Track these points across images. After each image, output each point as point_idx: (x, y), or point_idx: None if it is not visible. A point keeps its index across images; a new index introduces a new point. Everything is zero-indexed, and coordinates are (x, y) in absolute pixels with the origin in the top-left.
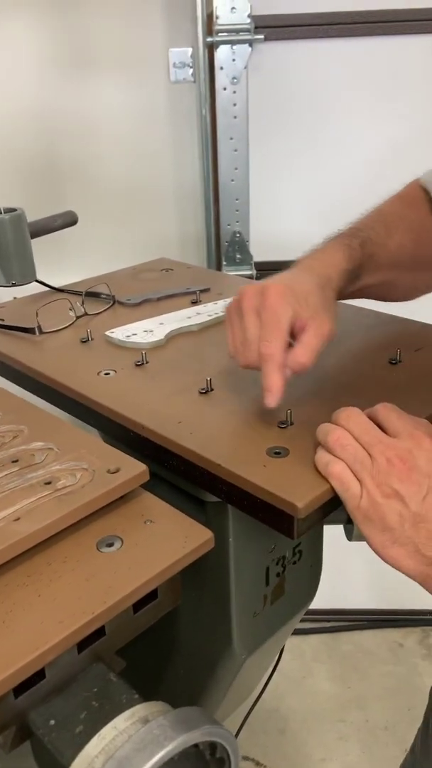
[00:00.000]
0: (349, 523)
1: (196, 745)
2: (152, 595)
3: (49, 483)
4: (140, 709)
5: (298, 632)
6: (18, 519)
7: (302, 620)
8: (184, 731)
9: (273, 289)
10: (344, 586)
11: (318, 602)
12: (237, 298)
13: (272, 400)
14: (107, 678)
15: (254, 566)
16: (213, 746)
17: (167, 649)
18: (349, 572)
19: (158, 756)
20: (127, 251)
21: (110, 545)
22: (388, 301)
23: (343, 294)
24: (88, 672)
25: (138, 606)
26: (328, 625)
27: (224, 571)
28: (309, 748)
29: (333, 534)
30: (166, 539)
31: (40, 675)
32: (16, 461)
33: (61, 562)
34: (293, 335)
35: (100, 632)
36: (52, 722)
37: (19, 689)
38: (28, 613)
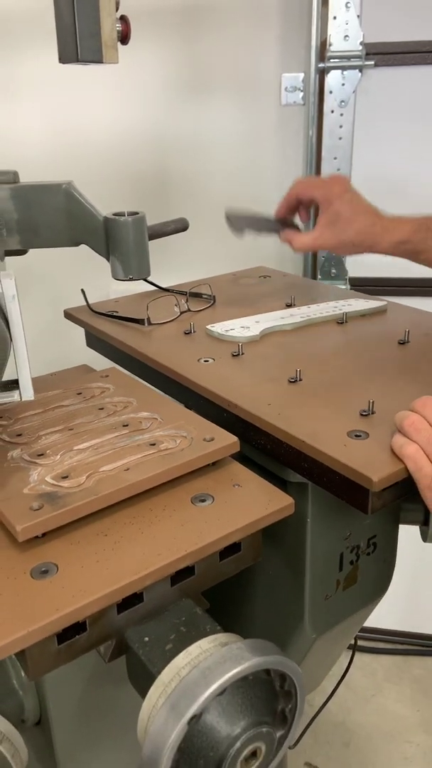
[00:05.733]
0: (425, 525)
1: (268, 673)
2: (236, 548)
3: (153, 444)
4: (222, 636)
5: (370, 651)
6: (128, 469)
7: (376, 639)
8: (259, 655)
9: None
10: (421, 611)
11: (393, 623)
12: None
13: None
14: (194, 611)
15: (329, 549)
16: (282, 678)
17: (242, 623)
18: (428, 597)
19: (236, 670)
20: (227, 262)
21: (203, 501)
22: None
23: None
24: (178, 604)
25: (223, 555)
26: (401, 647)
27: (301, 550)
28: (372, 765)
29: (412, 559)
30: (252, 500)
31: (139, 598)
32: (126, 425)
33: (161, 510)
34: None
35: (190, 571)
36: (146, 639)
37: (121, 607)
38: (132, 545)
